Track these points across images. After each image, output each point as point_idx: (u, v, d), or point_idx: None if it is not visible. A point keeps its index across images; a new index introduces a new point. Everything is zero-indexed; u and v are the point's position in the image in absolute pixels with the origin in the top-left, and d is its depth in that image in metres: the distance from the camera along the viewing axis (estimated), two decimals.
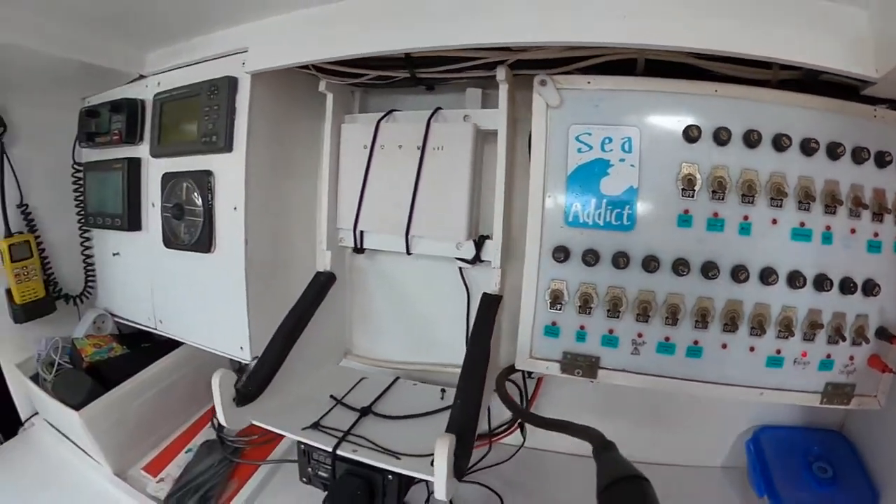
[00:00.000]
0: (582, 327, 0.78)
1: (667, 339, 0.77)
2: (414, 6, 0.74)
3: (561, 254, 0.77)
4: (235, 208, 0.90)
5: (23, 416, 1.15)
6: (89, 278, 1.24)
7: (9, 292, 1.10)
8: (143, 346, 1.16)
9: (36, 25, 0.88)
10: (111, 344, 1.13)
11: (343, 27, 0.80)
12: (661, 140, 0.74)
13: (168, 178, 0.99)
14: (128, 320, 1.17)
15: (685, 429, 0.99)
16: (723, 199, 0.73)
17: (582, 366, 0.79)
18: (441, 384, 0.94)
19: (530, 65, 0.80)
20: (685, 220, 0.75)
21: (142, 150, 1.08)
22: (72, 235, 1.23)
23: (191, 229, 0.95)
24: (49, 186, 1.19)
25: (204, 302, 0.98)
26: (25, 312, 1.10)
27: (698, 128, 0.73)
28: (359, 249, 0.96)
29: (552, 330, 0.79)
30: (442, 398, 0.89)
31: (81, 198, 1.22)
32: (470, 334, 0.80)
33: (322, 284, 0.93)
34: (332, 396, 0.87)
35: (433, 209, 0.87)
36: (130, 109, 1.05)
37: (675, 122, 0.74)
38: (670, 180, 0.74)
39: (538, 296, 0.79)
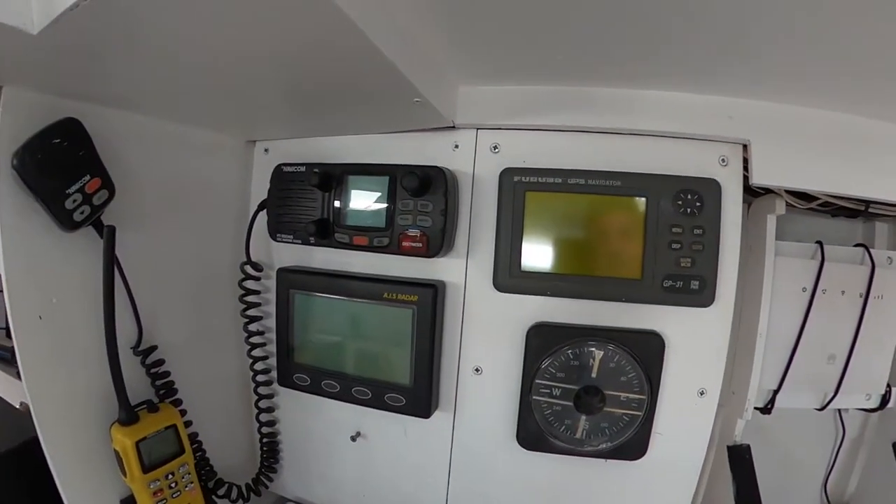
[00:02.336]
0: None
1: None
2: None
3: None
4: (702, 393, 0.58)
5: None
6: (266, 456, 0.68)
7: None
8: None
9: None
10: None
11: None
12: None
13: (549, 337, 0.55)
14: None
15: None
16: None
17: None
18: None
19: None
20: None
21: (451, 268, 0.55)
22: (221, 384, 0.65)
23: (607, 426, 0.56)
24: (181, 302, 0.59)
25: None
26: None
27: None
28: (767, 410, 0.75)
29: None
30: None
31: (256, 327, 0.63)
32: None
33: (749, 463, 0.70)
34: None
35: (858, 361, 0.76)
36: (449, 190, 0.52)
37: None
38: None
39: None
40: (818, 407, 0.78)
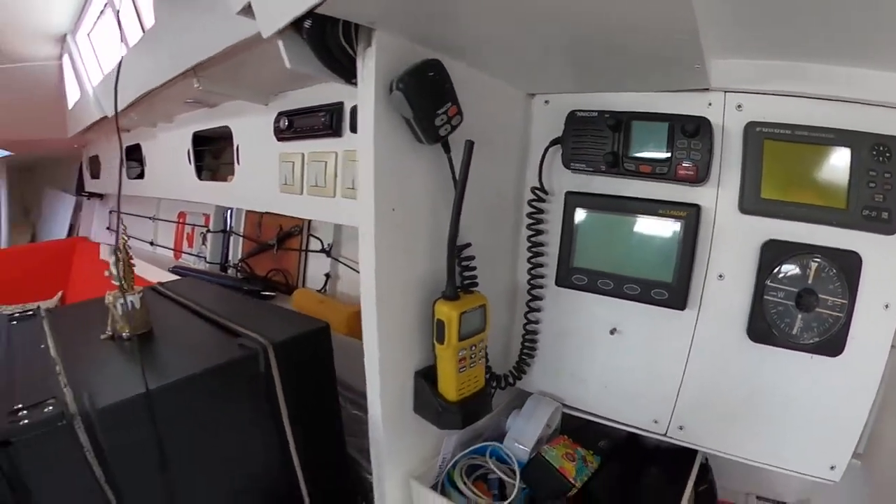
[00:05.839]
0: None
1: None
2: None
3: None
4: (887, 306, 0.74)
5: None
6: (525, 353, 0.84)
7: (428, 377, 0.67)
8: (600, 446, 0.83)
9: None
10: (577, 449, 0.80)
11: None
12: None
13: (779, 250, 0.71)
14: (599, 417, 0.84)
15: None
16: None
17: None
18: None
19: None
20: None
21: (704, 195, 0.72)
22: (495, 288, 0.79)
23: (816, 325, 0.73)
24: (480, 216, 0.75)
25: (786, 412, 0.76)
26: (465, 414, 0.68)
27: None
28: None
29: None
30: None
31: (538, 238, 0.79)
32: None
33: None
34: None
35: None
36: (713, 135, 0.70)
37: None
38: None
39: None
40: None
